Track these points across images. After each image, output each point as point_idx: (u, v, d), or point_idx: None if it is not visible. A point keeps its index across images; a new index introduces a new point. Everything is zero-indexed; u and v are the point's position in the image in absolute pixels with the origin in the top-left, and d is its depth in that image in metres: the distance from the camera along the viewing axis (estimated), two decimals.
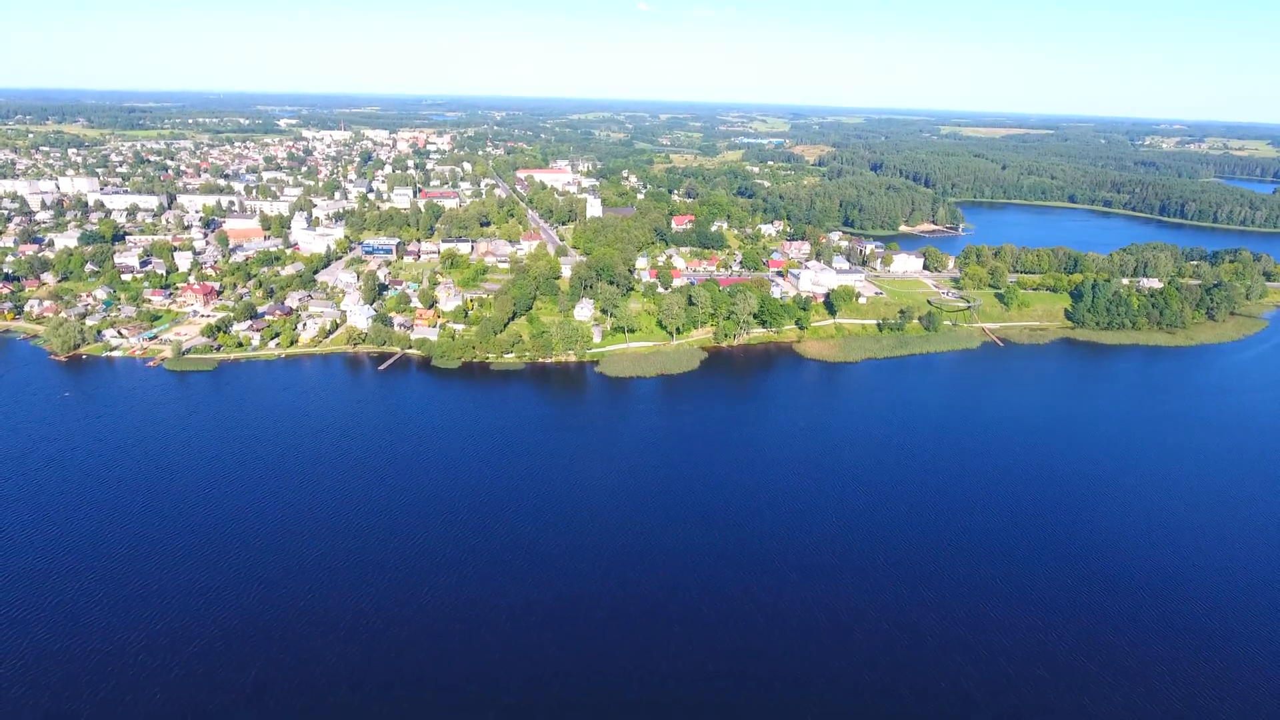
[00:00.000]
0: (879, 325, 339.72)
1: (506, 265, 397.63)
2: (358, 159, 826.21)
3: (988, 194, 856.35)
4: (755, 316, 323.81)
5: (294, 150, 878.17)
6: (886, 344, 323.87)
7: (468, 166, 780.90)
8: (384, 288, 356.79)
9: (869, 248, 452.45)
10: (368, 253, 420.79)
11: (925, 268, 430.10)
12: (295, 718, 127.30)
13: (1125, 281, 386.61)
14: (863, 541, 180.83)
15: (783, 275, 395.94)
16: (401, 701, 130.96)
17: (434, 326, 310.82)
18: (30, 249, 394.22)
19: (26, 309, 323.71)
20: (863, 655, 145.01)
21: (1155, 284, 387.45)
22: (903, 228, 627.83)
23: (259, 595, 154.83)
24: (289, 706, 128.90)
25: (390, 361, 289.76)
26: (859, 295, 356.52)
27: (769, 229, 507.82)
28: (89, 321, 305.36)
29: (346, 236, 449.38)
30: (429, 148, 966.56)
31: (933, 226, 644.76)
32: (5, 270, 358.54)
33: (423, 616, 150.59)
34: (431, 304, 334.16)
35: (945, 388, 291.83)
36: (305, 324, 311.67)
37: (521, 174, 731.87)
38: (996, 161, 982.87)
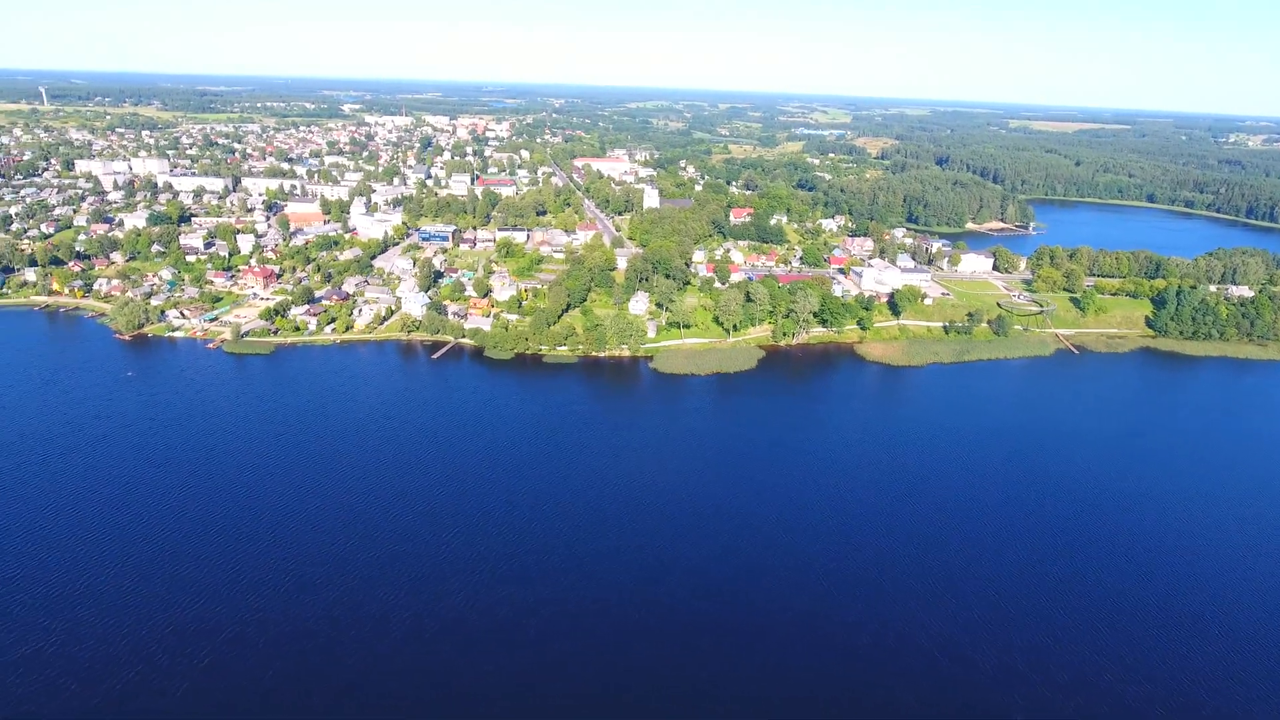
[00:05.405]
0: (945, 328, 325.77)
1: (561, 255, 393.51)
2: (418, 145, 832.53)
3: (1060, 191, 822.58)
4: (815, 315, 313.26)
5: (356, 135, 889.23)
6: (953, 348, 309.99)
7: (525, 154, 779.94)
8: (439, 275, 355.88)
9: (935, 246, 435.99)
10: (424, 239, 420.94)
11: (995, 268, 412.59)
12: (317, 715, 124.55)
13: (1213, 289, 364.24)
14: (916, 558, 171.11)
15: (844, 273, 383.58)
16: (420, 701, 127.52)
17: (488, 316, 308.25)
18: (101, 228, 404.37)
19: (95, 287, 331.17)
20: (904, 682, 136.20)
21: (1245, 292, 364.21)
22: (970, 225, 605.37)
23: (292, 585, 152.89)
24: (312, 705, 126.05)
25: (443, 350, 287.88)
26: (924, 296, 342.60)
27: (830, 224, 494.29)
28: (153, 301, 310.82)
29: (404, 222, 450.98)
30: (488, 134, 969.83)
31: (1001, 225, 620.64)
32: (77, 249, 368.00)
33: (454, 614, 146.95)
34: (486, 293, 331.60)
35: (1015, 396, 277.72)
36: (361, 310, 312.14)
37: (579, 162, 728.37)
38: (1070, 157, 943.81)
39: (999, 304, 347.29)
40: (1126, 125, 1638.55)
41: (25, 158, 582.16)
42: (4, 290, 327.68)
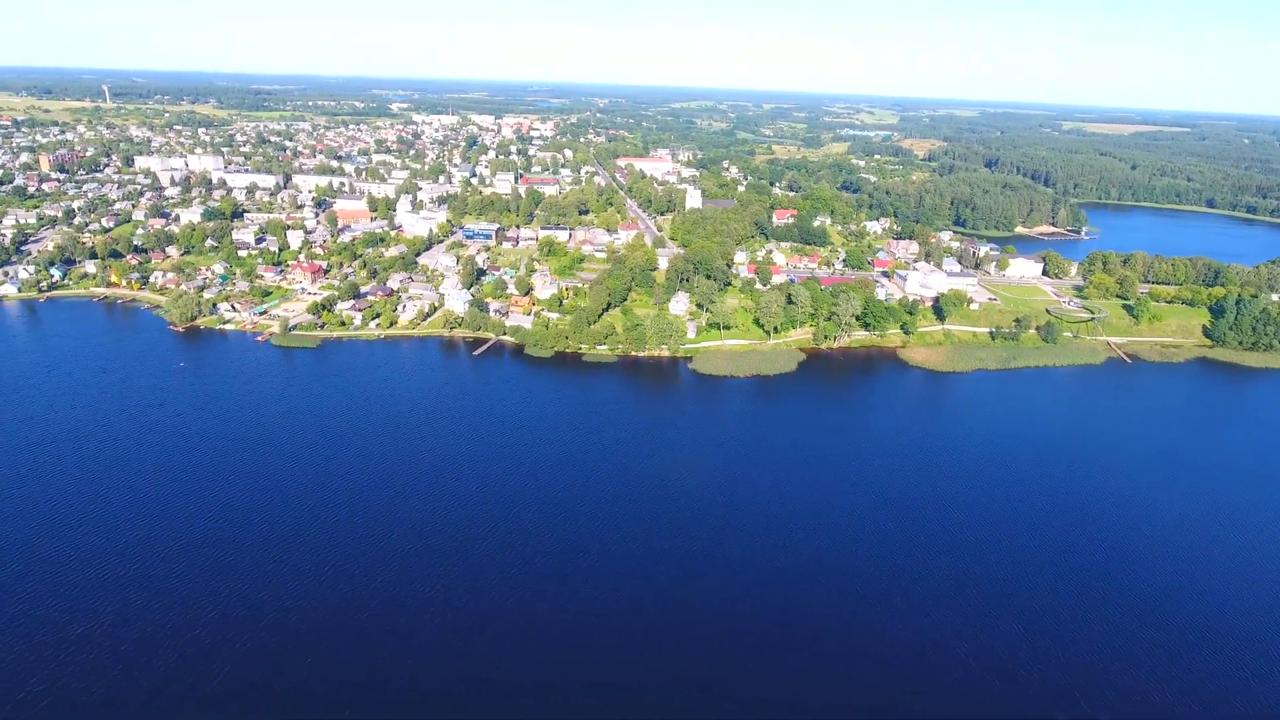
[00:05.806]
0: (991, 334, 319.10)
1: (603, 255, 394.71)
2: (463, 143, 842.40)
3: (1114, 195, 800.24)
4: (858, 318, 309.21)
5: (404, 134, 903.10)
6: (999, 354, 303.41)
7: (569, 153, 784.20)
8: (482, 273, 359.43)
9: (982, 250, 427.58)
10: (468, 237, 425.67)
11: (1044, 273, 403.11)
12: (352, 702, 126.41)
13: (1275, 298, 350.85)
14: (956, 568, 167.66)
15: (888, 276, 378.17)
16: (452, 694, 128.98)
17: (529, 314, 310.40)
18: (158, 223, 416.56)
19: (151, 280, 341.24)
20: (940, 692, 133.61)
21: None
22: (1019, 229, 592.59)
23: (331, 575, 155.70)
24: (347, 694, 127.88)
25: (484, 347, 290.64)
26: (970, 300, 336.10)
27: (874, 226, 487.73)
28: (206, 295, 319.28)
29: (448, 220, 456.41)
30: (532, 134, 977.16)
31: (1052, 229, 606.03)
32: (135, 242, 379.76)
33: (488, 608, 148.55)
34: (527, 291, 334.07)
35: (1063, 405, 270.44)
36: (405, 305, 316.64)
37: (621, 162, 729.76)
38: (1125, 160, 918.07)
39: (1048, 310, 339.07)
40: (1186, 128, 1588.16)
41: (88, 154, 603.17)
42: (66, 281, 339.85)
